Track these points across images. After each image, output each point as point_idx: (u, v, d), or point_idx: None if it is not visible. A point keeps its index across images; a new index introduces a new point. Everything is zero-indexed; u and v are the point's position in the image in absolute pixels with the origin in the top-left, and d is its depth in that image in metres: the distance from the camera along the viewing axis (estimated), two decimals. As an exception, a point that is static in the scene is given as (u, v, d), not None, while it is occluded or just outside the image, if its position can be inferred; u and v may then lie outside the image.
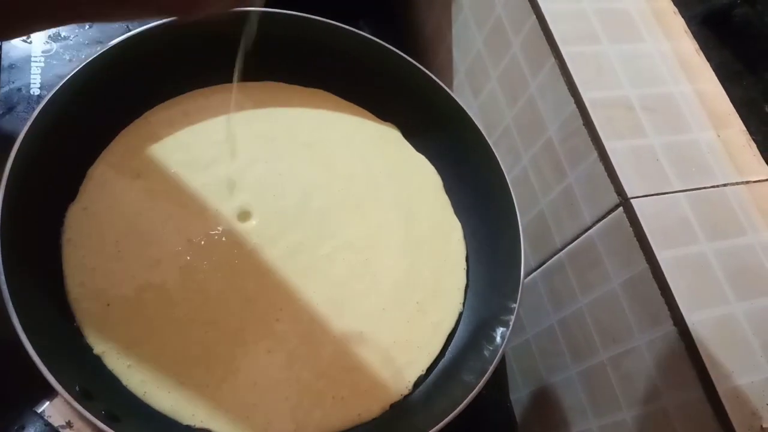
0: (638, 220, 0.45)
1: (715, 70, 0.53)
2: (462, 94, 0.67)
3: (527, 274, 0.59)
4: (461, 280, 0.55)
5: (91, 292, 0.45)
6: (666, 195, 0.47)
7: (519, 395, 0.61)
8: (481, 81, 0.64)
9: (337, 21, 0.57)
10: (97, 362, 0.43)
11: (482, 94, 0.63)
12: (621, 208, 0.47)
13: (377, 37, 0.58)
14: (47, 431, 0.38)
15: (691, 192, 0.48)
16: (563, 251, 0.54)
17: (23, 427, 0.39)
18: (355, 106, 0.60)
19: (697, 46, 0.55)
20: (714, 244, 0.46)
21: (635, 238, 0.46)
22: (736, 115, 0.53)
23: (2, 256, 0.40)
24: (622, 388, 0.48)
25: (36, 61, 0.61)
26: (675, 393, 0.43)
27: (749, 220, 0.48)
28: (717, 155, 0.50)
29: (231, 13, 0.53)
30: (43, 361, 0.38)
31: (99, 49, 0.48)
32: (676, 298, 0.43)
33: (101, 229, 0.47)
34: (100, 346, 0.44)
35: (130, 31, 0.50)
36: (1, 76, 0.60)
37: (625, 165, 0.47)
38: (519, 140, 0.58)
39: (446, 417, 0.43)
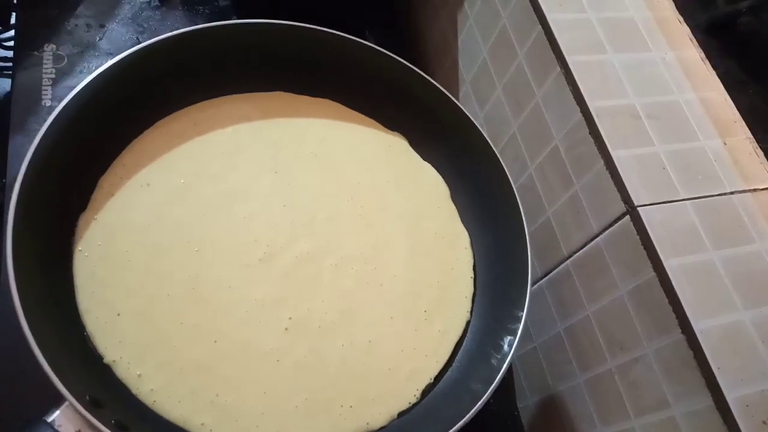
0: (645, 228, 0.46)
1: (720, 79, 0.54)
2: (468, 104, 0.68)
3: (534, 282, 0.59)
4: (468, 289, 0.55)
5: (102, 302, 0.45)
6: (673, 203, 0.47)
7: (526, 403, 0.61)
8: (486, 90, 0.64)
9: (342, 32, 0.57)
10: (107, 371, 0.44)
11: (488, 103, 0.64)
12: (628, 217, 0.47)
13: (383, 48, 0.58)
14: (58, 441, 0.38)
15: (697, 200, 0.48)
16: (570, 259, 0.54)
17: (33, 437, 0.39)
18: (363, 116, 0.61)
19: (702, 54, 0.55)
20: (721, 252, 0.46)
21: (642, 247, 0.46)
22: (743, 122, 0.53)
23: (14, 265, 0.40)
24: (629, 396, 0.48)
25: (47, 73, 0.62)
26: (683, 401, 0.43)
27: (756, 227, 0.48)
28: (723, 163, 0.50)
29: (242, 25, 0.54)
30: (53, 369, 0.38)
31: (109, 61, 0.49)
32: (684, 306, 0.43)
33: (111, 239, 0.48)
34: (110, 356, 0.44)
35: (140, 43, 0.51)
36: (14, 87, 0.61)
37: (631, 173, 0.48)
38: (525, 149, 0.59)
39: (454, 426, 0.43)
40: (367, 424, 0.46)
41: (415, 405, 0.49)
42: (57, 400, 0.39)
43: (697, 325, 0.42)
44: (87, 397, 0.39)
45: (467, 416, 0.43)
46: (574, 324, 0.54)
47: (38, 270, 0.43)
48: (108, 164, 0.51)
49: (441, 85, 0.58)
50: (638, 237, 0.46)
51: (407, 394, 0.49)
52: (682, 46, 0.55)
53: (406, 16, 0.81)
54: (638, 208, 0.46)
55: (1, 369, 0.46)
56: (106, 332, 0.44)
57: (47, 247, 0.46)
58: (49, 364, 0.38)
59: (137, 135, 0.53)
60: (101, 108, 0.49)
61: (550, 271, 0.57)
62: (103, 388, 0.42)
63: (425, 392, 0.49)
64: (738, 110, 0.53)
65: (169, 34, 0.51)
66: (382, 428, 0.47)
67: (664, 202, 0.47)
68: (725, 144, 0.51)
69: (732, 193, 0.49)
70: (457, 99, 0.68)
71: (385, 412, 0.47)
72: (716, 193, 0.48)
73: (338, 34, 0.57)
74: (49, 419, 0.39)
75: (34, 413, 0.42)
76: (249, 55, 0.56)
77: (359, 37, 0.58)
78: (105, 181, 0.50)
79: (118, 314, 0.45)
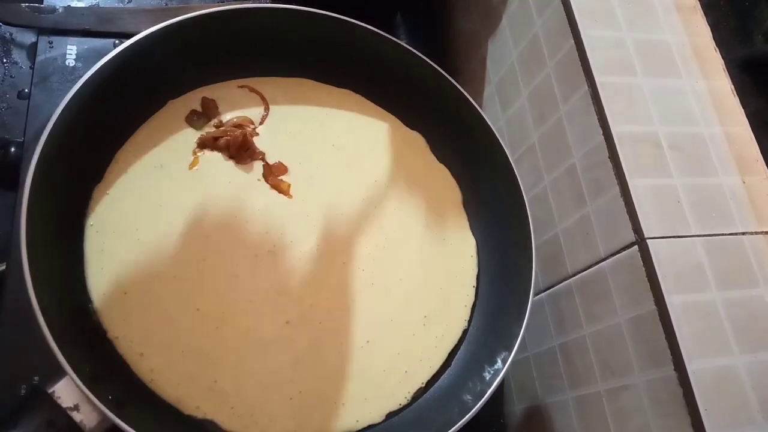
0: (652, 261, 0.46)
1: (749, 117, 0.53)
2: (491, 105, 0.67)
3: (535, 294, 0.59)
4: (470, 298, 0.55)
5: (110, 279, 0.46)
6: (683, 238, 0.47)
7: (513, 409, 0.63)
8: (511, 95, 0.63)
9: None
10: (109, 347, 0.45)
11: (511, 108, 0.63)
12: (636, 247, 0.47)
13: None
14: (56, 412, 0.39)
15: (708, 237, 0.48)
16: (574, 278, 0.54)
17: (33, 407, 0.39)
18: (384, 111, 0.61)
19: (732, 87, 0.54)
20: (725, 293, 0.46)
21: (646, 279, 0.46)
22: (764, 162, 0.52)
23: (26, 230, 0.41)
24: (615, 421, 0.49)
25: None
26: (667, 436, 0.44)
27: (763, 271, 0.48)
28: (739, 202, 0.50)
29: (271, 9, 0.53)
30: (56, 342, 0.39)
31: (138, 35, 0.48)
32: (680, 344, 0.43)
33: (123, 217, 0.48)
34: (114, 332, 0.45)
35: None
36: (39, 44, 0.60)
37: (645, 204, 0.47)
38: (542, 161, 0.58)
39: (441, 436, 0.44)
40: (357, 421, 0.48)
41: (405, 407, 0.50)
42: (58, 372, 0.40)
43: (690, 365, 0.43)
44: (87, 371, 0.40)
45: (455, 427, 0.44)
46: (570, 342, 0.54)
47: (50, 239, 0.44)
48: (125, 139, 0.51)
49: (466, 82, 0.58)
50: (644, 269, 0.46)
51: (398, 396, 0.50)
52: (714, 76, 0.54)
53: (441, 5, 0.79)
54: (647, 240, 0.46)
55: (6, 337, 0.47)
56: (112, 309, 0.45)
57: (61, 213, 0.46)
58: (53, 336, 0.39)
59: (154, 112, 0.53)
60: (123, 83, 0.49)
61: (553, 286, 0.57)
62: (103, 364, 0.43)
63: (416, 396, 0.50)
64: (761, 153, 0.52)
65: (194, 14, 0.50)
66: (370, 427, 0.48)
67: (674, 237, 0.47)
68: (744, 182, 0.51)
69: (744, 233, 0.49)
70: (481, 99, 0.68)
71: (376, 412, 0.48)
72: (728, 233, 0.48)
73: (367, 27, 0.56)
74: (50, 390, 0.40)
75: (35, 384, 0.44)
76: (276, 40, 0.55)
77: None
78: (121, 156, 0.50)
79: (125, 293, 0.46)
